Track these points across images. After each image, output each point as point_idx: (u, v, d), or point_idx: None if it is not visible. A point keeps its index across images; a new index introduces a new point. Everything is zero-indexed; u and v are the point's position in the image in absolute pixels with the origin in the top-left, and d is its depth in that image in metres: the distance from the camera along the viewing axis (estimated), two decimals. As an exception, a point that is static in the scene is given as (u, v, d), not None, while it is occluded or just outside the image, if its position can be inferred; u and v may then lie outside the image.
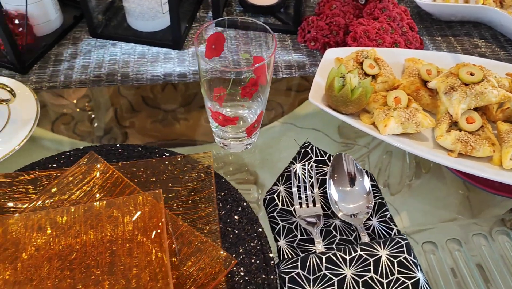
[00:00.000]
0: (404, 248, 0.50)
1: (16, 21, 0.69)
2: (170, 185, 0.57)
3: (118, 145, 0.61)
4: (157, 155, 0.60)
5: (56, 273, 0.48)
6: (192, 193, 0.56)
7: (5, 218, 0.51)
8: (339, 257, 0.49)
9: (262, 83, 0.52)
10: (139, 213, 0.52)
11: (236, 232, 0.53)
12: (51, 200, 0.54)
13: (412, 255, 0.50)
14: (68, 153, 0.59)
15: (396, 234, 0.53)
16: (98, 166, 0.57)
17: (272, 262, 0.51)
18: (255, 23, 0.55)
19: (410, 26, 0.74)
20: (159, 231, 0.51)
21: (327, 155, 0.60)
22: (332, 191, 0.55)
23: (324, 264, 0.49)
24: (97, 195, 0.55)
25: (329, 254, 0.49)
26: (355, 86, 0.60)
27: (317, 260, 0.49)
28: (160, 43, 0.75)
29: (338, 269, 0.49)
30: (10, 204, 0.54)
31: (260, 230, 0.53)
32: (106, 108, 0.67)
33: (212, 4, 0.77)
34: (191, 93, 0.70)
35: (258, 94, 0.54)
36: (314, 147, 0.61)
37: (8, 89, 0.58)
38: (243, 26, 0.62)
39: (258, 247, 0.52)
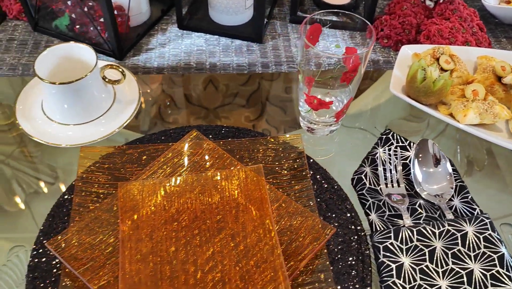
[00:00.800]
0: (488, 226, 0.54)
1: (115, 12, 0.76)
2: (263, 162, 0.62)
3: (214, 125, 0.66)
4: (250, 136, 0.65)
5: (172, 234, 0.53)
6: (285, 171, 0.61)
7: (124, 184, 0.57)
8: (428, 230, 0.54)
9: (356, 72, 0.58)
10: (243, 184, 0.58)
11: (329, 207, 0.58)
12: (161, 170, 0.60)
13: (496, 232, 0.54)
14: (170, 131, 0.65)
15: (479, 213, 0.57)
16: (202, 142, 0.62)
17: (363, 233, 0.55)
18: (351, 16, 0.60)
19: (480, 27, 0.79)
20: (262, 200, 0.56)
21: (408, 142, 0.65)
22: (417, 172, 0.60)
23: (415, 236, 0.53)
24: (202, 168, 0.60)
25: (419, 227, 0.54)
26: (436, 78, 0.64)
27: (409, 232, 0.54)
28: (242, 36, 0.81)
29: (428, 241, 0.53)
30: (122, 173, 0.60)
31: (350, 206, 0.58)
32: (196, 93, 0.73)
33: (292, 3, 0.82)
34: (274, 82, 0.75)
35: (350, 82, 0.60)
36: (395, 134, 0.65)
37: (120, 70, 0.65)
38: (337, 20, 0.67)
39: (350, 220, 0.57)
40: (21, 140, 0.66)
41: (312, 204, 0.57)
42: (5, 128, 0.68)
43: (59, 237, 0.52)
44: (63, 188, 0.61)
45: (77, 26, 0.77)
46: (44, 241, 0.52)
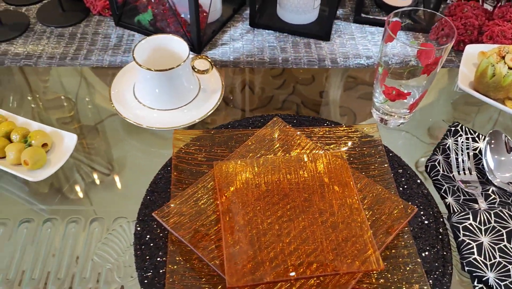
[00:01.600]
0: (563, 212, 0.58)
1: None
2: (340, 148, 0.66)
3: (291, 115, 0.71)
4: (325, 125, 0.70)
5: (265, 209, 0.58)
6: (364, 157, 0.65)
7: (219, 163, 0.62)
8: (505, 213, 0.57)
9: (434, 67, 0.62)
10: (327, 166, 0.62)
11: (405, 191, 0.62)
12: (249, 153, 0.64)
13: None
14: (251, 118, 0.70)
15: (551, 199, 0.60)
16: (284, 128, 0.67)
17: (441, 214, 0.59)
18: (430, 13, 0.65)
19: (540, 30, 0.82)
20: (346, 181, 0.60)
21: (476, 133, 0.68)
22: (489, 160, 0.64)
23: (493, 218, 0.57)
24: (286, 151, 0.65)
25: (496, 210, 0.58)
26: (505, 74, 0.68)
27: (486, 214, 0.57)
28: (310, 34, 0.86)
29: (505, 222, 0.57)
30: (211, 154, 0.65)
31: (426, 191, 0.62)
32: (270, 85, 0.78)
33: (357, 4, 0.87)
34: (342, 77, 0.80)
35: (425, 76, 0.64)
36: (463, 126, 0.69)
37: (209, 60, 0.70)
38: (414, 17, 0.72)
39: (427, 203, 0.61)
40: (115, 122, 0.72)
41: (392, 186, 0.61)
42: (102, 110, 0.74)
43: (165, 209, 0.57)
44: (157, 167, 0.66)
45: (159, 22, 0.82)
46: (154, 212, 0.57)
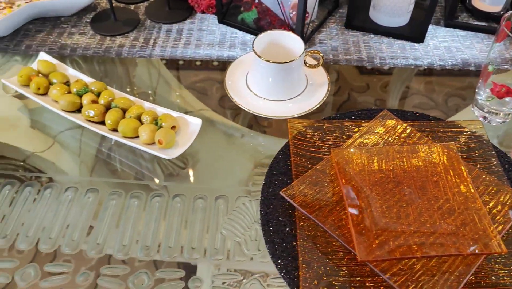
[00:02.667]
0: None
1: (290, 9, 0.86)
2: (447, 142, 0.69)
3: (394, 109, 0.75)
4: (428, 120, 0.73)
5: (382, 194, 0.61)
6: (468, 151, 0.68)
7: (337, 150, 0.66)
8: None
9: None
10: (439, 156, 0.65)
11: (514, 183, 0.65)
12: (362, 142, 0.68)
13: None
14: (358, 112, 0.74)
15: None
16: (393, 121, 0.71)
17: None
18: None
19: None
20: (459, 170, 0.63)
21: None
22: None
23: None
24: (397, 142, 0.69)
25: None
26: None
27: None
28: (404, 36, 0.89)
29: None
30: (324, 142, 0.69)
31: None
32: (371, 82, 0.82)
33: (450, 9, 0.91)
34: (439, 76, 0.83)
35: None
36: None
37: (321, 54, 0.74)
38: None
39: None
40: (229, 110, 0.78)
41: (504, 178, 0.64)
42: (216, 99, 0.79)
43: (290, 188, 0.62)
44: (270, 152, 0.70)
45: (263, 20, 0.88)
46: (281, 191, 0.62)
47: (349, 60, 0.85)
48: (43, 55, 0.80)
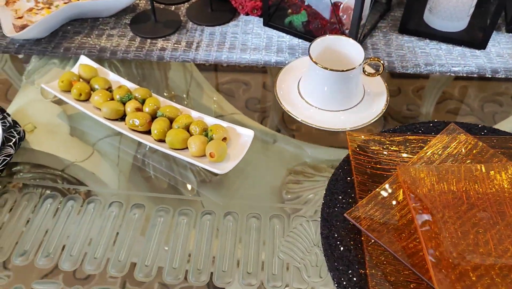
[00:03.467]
0: None
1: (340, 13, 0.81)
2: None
3: (459, 122, 0.69)
4: (499, 133, 0.67)
5: (455, 217, 0.56)
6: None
7: (404, 167, 0.60)
8: None
9: None
10: (517, 177, 0.60)
11: None
12: (429, 158, 0.63)
13: None
14: (417, 124, 0.69)
15: None
16: (461, 135, 0.65)
17: None
18: None
19: None
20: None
21: None
22: None
23: None
24: (466, 158, 0.63)
25: None
26: None
27: None
28: (462, 42, 0.83)
29: None
30: (386, 158, 0.64)
31: None
32: (430, 93, 0.76)
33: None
34: (503, 86, 0.78)
35: None
36: None
37: (381, 62, 0.69)
38: None
39: None
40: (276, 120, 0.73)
41: None
42: (266, 107, 0.75)
43: (355, 210, 0.57)
44: (325, 166, 0.65)
45: (313, 24, 0.82)
46: (345, 213, 0.57)
47: (405, 67, 0.79)
48: (84, 59, 0.76)
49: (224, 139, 0.64)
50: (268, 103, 0.76)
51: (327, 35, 0.70)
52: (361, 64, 0.66)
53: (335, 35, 0.70)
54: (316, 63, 0.66)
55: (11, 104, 0.76)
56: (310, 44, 0.68)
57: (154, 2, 0.93)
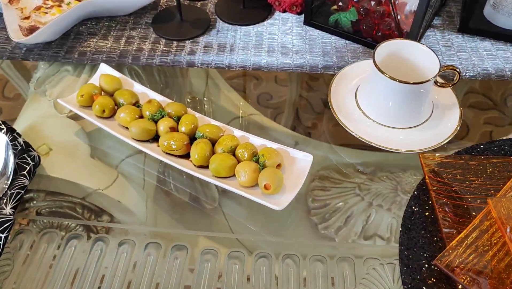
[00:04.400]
0: None
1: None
2: None
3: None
4: None
5: None
6: None
7: (496, 200, 0.51)
8: None
9: None
10: None
11: None
12: (521, 188, 0.53)
13: None
14: (500, 142, 0.59)
15: None
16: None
17: None
18: None
19: None
20: None
21: None
22: None
23: None
24: None
25: None
26: None
27: None
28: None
29: None
30: (467, 186, 0.54)
31: None
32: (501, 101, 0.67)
33: None
34: None
35: None
36: None
37: (457, 70, 0.59)
38: None
39: None
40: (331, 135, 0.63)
41: None
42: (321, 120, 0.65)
43: (445, 256, 0.47)
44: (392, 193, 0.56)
45: (364, 23, 0.72)
46: (435, 261, 0.47)
47: (471, 72, 0.70)
48: (104, 68, 0.65)
49: (279, 166, 0.54)
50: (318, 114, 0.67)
51: (395, 40, 0.59)
52: (436, 75, 0.56)
53: (403, 39, 0.60)
54: (383, 72, 0.56)
55: (18, 119, 0.66)
56: (375, 49, 0.58)
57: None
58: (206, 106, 0.68)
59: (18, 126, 0.64)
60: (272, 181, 0.51)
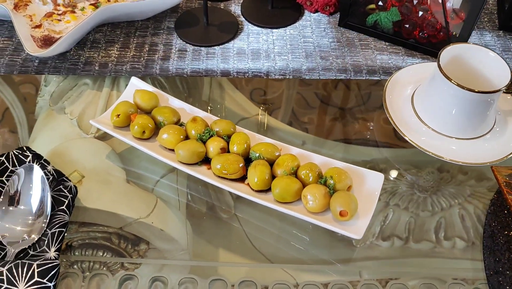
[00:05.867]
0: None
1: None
2: None
3: None
4: None
5: None
6: None
7: None
8: None
9: None
10: None
11: None
12: None
13: None
14: None
15: None
16: None
17: None
18: None
19: None
20: None
21: None
22: None
23: None
24: None
25: None
26: None
27: None
28: None
29: None
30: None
31: None
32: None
33: None
34: None
35: None
36: None
37: (523, 78, 0.55)
38: None
39: None
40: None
41: None
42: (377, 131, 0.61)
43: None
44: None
45: (406, 23, 0.68)
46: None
47: (523, 74, 0.67)
48: (136, 82, 0.59)
49: (349, 188, 0.50)
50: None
51: (460, 44, 0.55)
52: (507, 85, 0.53)
53: (469, 44, 0.56)
54: (449, 79, 0.52)
55: (34, 141, 0.58)
56: (440, 54, 0.54)
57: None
58: (248, 121, 0.63)
59: (37, 150, 0.57)
60: (348, 207, 0.47)
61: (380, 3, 0.69)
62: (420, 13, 0.67)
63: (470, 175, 0.57)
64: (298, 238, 0.51)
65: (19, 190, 0.49)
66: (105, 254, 0.49)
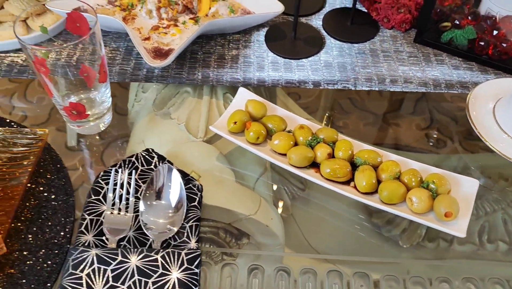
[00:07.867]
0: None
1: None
2: None
3: None
4: None
5: None
6: None
7: None
8: None
9: None
10: None
11: None
12: None
13: None
14: None
15: None
16: None
17: None
18: None
19: None
20: None
21: None
22: None
23: None
24: None
25: None
26: None
27: None
28: None
29: None
30: None
31: None
32: None
33: None
34: None
35: None
36: None
37: None
38: None
39: None
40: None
41: None
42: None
43: None
44: None
45: (481, 41, 0.74)
46: None
47: None
48: (244, 92, 0.65)
49: (449, 192, 0.56)
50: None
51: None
52: None
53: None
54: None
55: (140, 142, 0.65)
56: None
57: (287, 15, 0.81)
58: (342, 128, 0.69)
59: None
60: (452, 209, 0.53)
61: (456, 21, 0.75)
62: (495, 32, 0.73)
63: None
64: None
65: (161, 187, 0.55)
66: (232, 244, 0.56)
